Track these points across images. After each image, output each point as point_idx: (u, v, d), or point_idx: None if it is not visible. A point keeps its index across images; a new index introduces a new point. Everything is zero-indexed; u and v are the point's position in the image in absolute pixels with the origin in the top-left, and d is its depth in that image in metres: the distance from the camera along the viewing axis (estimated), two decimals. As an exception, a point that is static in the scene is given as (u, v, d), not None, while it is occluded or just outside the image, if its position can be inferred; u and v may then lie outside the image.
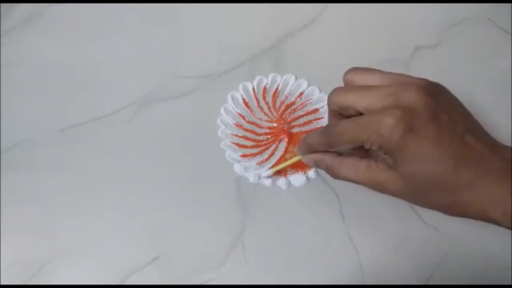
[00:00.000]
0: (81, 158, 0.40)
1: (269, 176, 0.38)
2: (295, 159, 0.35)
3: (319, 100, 0.41)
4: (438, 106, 0.26)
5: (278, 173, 0.39)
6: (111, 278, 0.36)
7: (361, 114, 0.28)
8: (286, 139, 0.40)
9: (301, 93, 0.42)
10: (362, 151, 0.30)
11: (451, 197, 0.26)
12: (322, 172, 0.39)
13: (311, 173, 0.39)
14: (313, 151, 0.33)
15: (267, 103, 0.41)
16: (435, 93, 0.27)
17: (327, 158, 0.32)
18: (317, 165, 0.33)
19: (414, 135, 0.26)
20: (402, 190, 0.28)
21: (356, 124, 0.28)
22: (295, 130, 0.40)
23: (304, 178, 0.38)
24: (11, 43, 0.44)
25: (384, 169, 0.28)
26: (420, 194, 0.28)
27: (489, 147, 0.26)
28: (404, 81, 0.28)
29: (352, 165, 0.30)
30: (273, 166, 0.38)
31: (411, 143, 0.26)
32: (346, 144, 0.29)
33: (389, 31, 0.44)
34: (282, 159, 0.39)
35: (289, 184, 0.39)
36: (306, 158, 0.33)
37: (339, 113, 0.30)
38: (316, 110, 0.41)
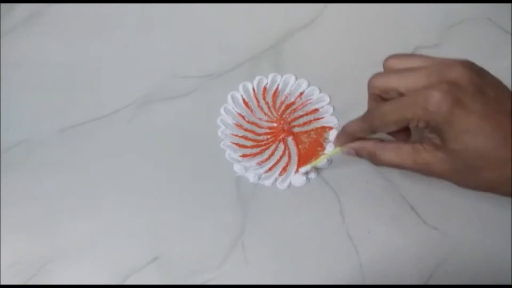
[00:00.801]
0: (81, 158, 0.40)
1: (307, 172, 0.38)
2: (335, 150, 0.34)
3: (319, 100, 0.41)
4: (484, 83, 0.26)
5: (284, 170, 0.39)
6: (111, 278, 0.36)
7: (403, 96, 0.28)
8: (292, 138, 0.40)
9: (301, 93, 0.42)
10: (404, 136, 0.30)
11: (504, 172, 0.26)
12: (322, 172, 0.39)
13: (312, 173, 0.39)
14: (353, 139, 0.32)
15: (267, 103, 0.41)
16: (480, 71, 0.27)
17: (369, 145, 0.31)
18: (359, 153, 0.32)
19: (462, 108, 0.25)
20: (451, 169, 0.27)
21: (401, 103, 0.27)
22: (295, 130, 0.40)
23: (304, 178, 0.38)
24: (11, 43, 0.44)
25: (430, 150, 0.27)
26: (470, 172, 0.26)
27: None
28: (446, 61, 0.27)
29: (396, 149, 0.29)
30: (304, 163, 0.38)
31: (459, 116, 0.25)
32: (390, 126, 0.28)
33: (389, 31, 0.44)
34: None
35: (289, 184, 0.38)
36: (347, 148, 0.33)
37: (379, 97, 0.30)
38: (316, 110, 0.41)
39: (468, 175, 0.27)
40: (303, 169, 0.38)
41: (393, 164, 0.30)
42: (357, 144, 0.32)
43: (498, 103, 0.26)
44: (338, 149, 0.34)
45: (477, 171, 0.26)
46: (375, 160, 0.31)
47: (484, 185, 0.27)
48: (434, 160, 0.27)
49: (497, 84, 0.27)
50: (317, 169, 0.39)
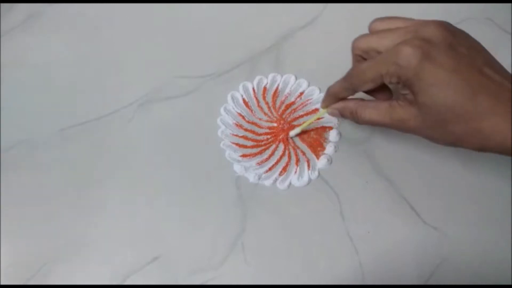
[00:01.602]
0: (81, 158, 0.40)
1: (296, 135, 0.39)
2: (320, 113, 0.36)
3: (319, 100, 0.41)
4: (456, 40, 0.27)
5: (284, 171, 0.39)
6: (111, 278, 0.36)
7: None
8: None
9: (301, 93, 0.42)
10: (384, 96, 0.31)
11: (471, 125, 0.26)
12: (323, 173, 0.39)
13: (312, 173, 0.39)
14: (337, 99, 0.33)
15: (267, 103, 0.41)
16: (453, 29, 0.28)
17: (351, 104, 0.32)
18: (342, 112, 0.33)
19: (431, 62, 0.26)
20: (422, 124, 0.28)
21: (376, 60, 0.28)
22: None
23: (304, 178, 0.38)
24: (11, 43, 0.44)
25: (404, 106, 0.28)
26: (439, 125, 0.27)
27: (508, 79, 0.26)
28: (424, 21, 0.28)
29: (374, 107, 0.30)
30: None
31: (428, 70, 0.26)
32: (368, 83, 0.29)
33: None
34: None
35: (289, 184, 0.39)
36: (331, 109, 0.34)
37: (362, 58, 0.31)
38: (316, 110, 0.41)
39: (437, 129, 0.28)
40: (292, 133, 0.39)
41: (373, 121, 0.31)
42: (340, 105, 0.33)
43: (469, 59, 0.26)
44: (323, 111, 0.35)
45: (445, 124, 0.27)
46: (356, 118, 0.32)
47: (451, 138, 0.28)
48: (408, 115, 0.28)
49: (471, 43, 0.28)
50: (318, 170, 0.39)
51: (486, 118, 0.26)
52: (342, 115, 0.33)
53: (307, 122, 0.38)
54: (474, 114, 0.26)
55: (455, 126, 0.27)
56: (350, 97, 0.33)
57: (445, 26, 0.27)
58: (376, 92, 0.32)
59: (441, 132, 0.28)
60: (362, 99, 0.32)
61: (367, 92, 0.32)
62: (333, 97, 0.33)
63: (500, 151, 0.27)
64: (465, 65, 0.26)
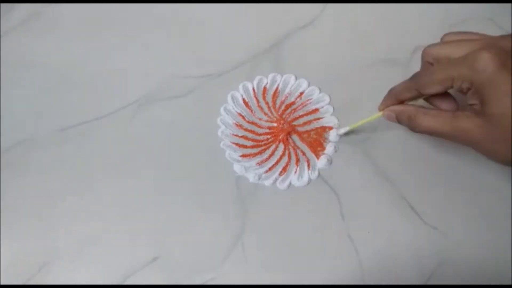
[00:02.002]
0: (82, 158, 0.40)
1: (345, 133, 0.38)
2: (376, 115, 0.34)
3: (319, 100, 0.41)
4: None
5: (284, 171, 0.39)
6: (111, 278, 0.36)
7: None
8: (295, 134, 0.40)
9: (301, 93, 0.42)
10: (448, 106, 0.30)
11: None
12: (323, 173, 0.39)
13: (312, 173, 0.39)
14: (397, 100, 0.32)
15: (267, 103, 0.41)
16: None
17: (410, 109, 0.31)
18: (399, 116, 0.32)
19: (508, 71, 0.25)
20: (486, 136, 0.27)
21: (449, 63, 0.27)
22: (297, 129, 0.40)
23: (304, 178, 0.38)
24: (11, 43, 0.44)
25: (470, 116, 0.27)
26: (504, 140, 0.26)
27: None
28: (501, 35, 0.28)
29: (436, 115, 0.29)
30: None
31: (505, 78, 0.25)
32: (436, 85, 0.28)
33: (389, 31, 0.44)
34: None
35: (289, 184, 0.38)
36: (388, 111, 0.33)
37: (432, 66, 0.30)
38: (316, 110, 0.41)
39: (502, 144, 0.26)
40: (342, 130, 0.38)
41: (432, 130, 0.29)
42: (398, 107, 0.32)
43: None
44: (379, 113, 0.34)
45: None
46: (414, 124, 0.31)
47: None
48: (471, 126, 0.27)
49: None
50: (318, 170, 0.39)
51: None
52: (398, 119, 0.32)
53: (357, 123, 0.37)
54: None
55: None
56: (411, 103, 0.32)
57: None
58: (439, 102, 0.30)
59: (504, 147, 0.26)
60: (422, 106, 0.31)
61: (430, 100, 0.31)
62: (394, 97, 0.32)
63: None
64: None
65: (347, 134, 0.39)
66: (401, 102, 0.32)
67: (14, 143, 0.40)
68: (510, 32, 0.43)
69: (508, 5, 0.44)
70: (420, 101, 0.31)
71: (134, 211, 0.38)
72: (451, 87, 0.28)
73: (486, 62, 0.25)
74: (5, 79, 0.42)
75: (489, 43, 0.27)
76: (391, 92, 0.32)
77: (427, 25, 0.44)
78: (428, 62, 0.30)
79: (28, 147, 0.40)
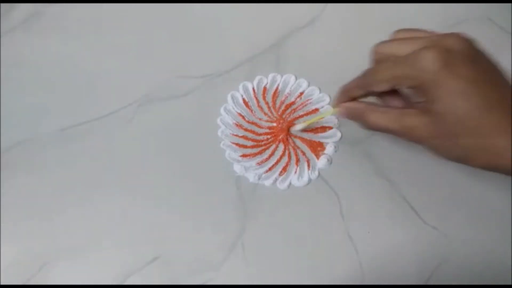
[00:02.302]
0: (81, 158, 0.40)
1: (301, 130, 0.39)
2: (330, 111, 0.35)
3: (319, 100, 0.41)
4: (478, 55, 0.27)
5: (284, 171, 0.39)
6: (111, 278, 0.36)
7: None
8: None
9: (301, 93, 0.42)
10: (396, 103, 0.31)
11: (483, 141, 0.26)
12: (323, 173, 0.39)
13: (312, 173, 0.39)
14: (349, 97, 0.32)
15: (267, 103, 0.41)
16: (475, 45, 0.27)
17: (361, 106, 0.31)
18: (350, 113, 0.32)
19: (451, 70, 0.26)
20: (432, 133, 0.27)
21: (394, 61, 0.28)
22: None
23: (304, 178, 0.38)
24: (11, 43, 0.44)
25: (416, 113, 0.28)
26: (449, 136, 0.27)
27: None
28: (447, 33, 0.28)
29: (384, 112, 0.30)
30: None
31: (447, 77, 0.26)
32: (382, 83, 0.29)
33: (389, 31, 0.44)
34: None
35: (289, 184, 0.39)
36: (340, 108, 0.33)
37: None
38: (316, 110, 0.41)
39: (447, 141, 0.27)
40: (294, 128, 0.39)
41: (380, 127, 0.30)
42: (350, 104, 0.32)
43: (488, 75, 0.26)
44: (332, 110, 0.34)
45: (457, 136, 0.26)
46: (364, 121, 0.31)
47: (459, 152, 0.27)
48: (418, 123, 0.28)
49: (491, 61, 0.28)
50: (318, 170, 0.39)
51: (500, 135, 0.25)
52: (350, 116, 0.33)
53: (312, 119, 0.38)
54: (488, 129, 0.25)
55: (466, 139, 0.26)
56: (362, 100, 0.32)
57: (468, 40, 0.27)
58: (388, 98, 0.31)
59: (450, 144, 0.27)
60: (373, 103, 0.31)
61: (380, 97, 0.32)
62: (345, 94, 0.33)
63: (507, 171, 0.26)
64: (484, 79, 0.26)
65: (304, 130, 0.39)
66: (354, 99, 0.33)
67: (14, 143, 0.40)
68: (509, 31, 0.43)
69: (508, 5, 0.44)
70: (372, 98, 0.32)
71: (134, 211, 0.38)
72: (397, 85, 0.28)
73: (429, 61, 0.26)
74: (5, 79, 0.42)
75: (433, 42, 0.27)
76: (342, 89, 0.33)
77: (427, 25, 0.44)
78: (377, 60, 0.31)
79: (28, 147, 0.40)
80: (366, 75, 0.30)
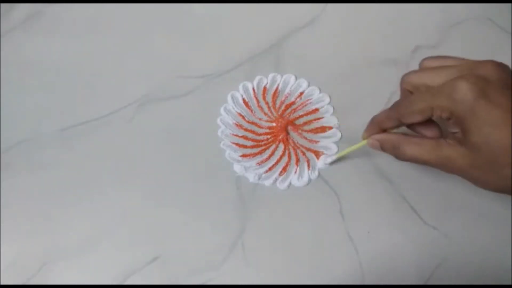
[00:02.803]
0: (81, 158, 0.40)
1: (332, 162, 0.38)
2: (361, 143, 0.34)
3: (319, 100, 0.41)
4: None
5: (284, 171, 0.39)
6: (111, 278, 0.36)
7: None
8: (292, 129, 0.40)
9: (301, 93, 0.42)
10: (430, 133, 0.30)
11: None
12: (323, 173, 0.39)
13: (312, 173, 0.39)
14: (380, 129, 0.32)
15: (267, 103, 0.41)
16: (510, 70, 0.27)
17: (393, 137, 0.31)
18: (383, 145, 0.32)
19: (487, 100, 0.25)
20: (471, 164, 0.27)
21: (428, 92, 0.27)
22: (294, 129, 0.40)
23: (304, 178, 0.38)
24: (11, 43, 0.44)
25: (453, 144, 0.27)
26: (490, 167, 0.26)
27: None
28: (479, 60, 0.28)
29: (419, 143, 0.29)
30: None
31: (484, 107, 0.25)
32: (416, 114, 0.28)
33: (389, 31, 0.44)
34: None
35: (289, 184, 0.38)
36: (372, 140, 0.33)
37: (410, 94, 0.30)
38: (316, 110, 0.41)
39: (488, 172, 0.26)
40: (329, 159, 0.38)
41: (416, 159, 0.29)
42: (382, 136, 0.32)
43: None
44: (364, 141, 0.34)
45: (498, 167, 0.26)
46: (398, 153, 0.31)
47: (502, 184, 0.27)
48: (455, 154, 0.27)
49: None
50: (318, 170, 0.39)
51: None
52: (383, 148, 0.32)
53: (347, 150, 0.37)
54: None
55: (506, 169, 0.26)
56: (394, 131, 0.32)
57: (502, 67, 0.27)
58: (422, 129, 0.30)
59: (491, 175, 0.26)
60: (406, 134, 0.31)
61: (413, 128, 0.31)
62: (376, 126, 0.32)
63: None
64: None
65: (333, 163, 0.39)
66: (384, 130, 0.32)
67: (14, 143, 0.40)
68: (509, 31, 0.43)
69: (508, 5, 0.44)
70: (404, 128, 0.32)
71: (134, 211, 0.38)
72: (431, 116, 0.28)
73: (464, 92, 0.25)
74: (5, 79, 0.42)
75: (466, 71, 0.27)
76: (373, 120, 0.32)
77: (427, 25, 0.44)
78: (407, 90, 0.30)
79: (28, 147, 0.40)
80: (398, 106, 0.30)
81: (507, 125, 0.25)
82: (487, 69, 0.26)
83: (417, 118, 0.29)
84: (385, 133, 0.32)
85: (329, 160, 0.38)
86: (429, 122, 0.29)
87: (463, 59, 0.29)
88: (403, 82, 0.30)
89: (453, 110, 0.26)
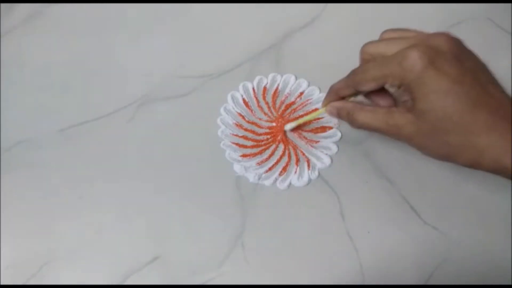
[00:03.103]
0: (81, 158, 0.40)
1: (291, 129, 0.39)
2: (319, 111, 0.36)
3: (319, 100, 0.41)
4: (463, 54, 0.27)
5: (284, 170, 0.39)
6: (111, 278, 0.36)
7: None
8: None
9: (301, 93, 0.42)
10: (385, 102, 0.31)
11: (467, 138, 0.26)
12: (323, 172, 0.39)
13: (312, 173, 0.39)
14: (338, 97, 0.33)
15: (267, 103, 0.41)
16: (462, 45, 0.28)
17: (349, 105, 0.32)
18: (339, 112, 0.33)
19: (436, 69, 0.26)
20: (417, 131, 0.28)
21: (381, 61, 0.28)
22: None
23: (304, 178, 0.38)
24: (11, 43, 0.44)
25: (402, 112, 0.28)
26: (434, 134, 0.27)
27: (509, 99, 0.27)
28: (434, 32, 0.28)
29: (371, 111, 0.30)
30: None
31: (432, 76, 0.26)
32: (370, 82, 0.29)
33: (389, 31, 0.44)
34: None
35: (289, 184, 0.39)
36: (329, 107, 0.34)
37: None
38: (316, 110, 0.41)
39: (432, 138, 0.27)
40: (288, 126, 0.38)
41: (368, 125, 0.30)
42: (339, 104, 0.33)
43: (473, 74, 0.26)
44: (323, 109, 0.35)
45: (442, 134, 0.27)
46: (352, 120, 0.32)
47: (444, 150, 0.27)
48: (404, 121, 0.28)
49: (477, 61, 0.28)
50: (318, 170, 0.39)
51: (483, 133, 0.26)
52: (339, 115, 0.33)
53: (305, 118, 0.38)
54: (472, 127, 0.26)
55: (450, 136, 0.27)
56: (352, 99, 0.33)
57: (454, 40, 0.27)
58: (377, 98, 0.32)
59: (435, 141, 0.28)
60: (361, 102, 0.32)
61: (368, 97, 0.32)
62: (334, 94, 0.33)
63: (492, 169, 0.27)
64: (469, 78, 0.26)
65: (304, 130, 0.40)
66: (342, 98, 0.33)
67: (14, 143, 0.40)
68: (509, 31, 0.43)
69: (508, 5, 0.44)
70: (361, 97, 0.33)
71: (134, 211, 0.38)
72: (385, 83, 0.29)
73: (414, 60, 0.26)
74: (5, 79, 0.42)
75: (419, 41, 0.27)
76: (332, 88, 0.33)
77: (427, 25, 0.44)
78: (365, 60, 0.31)
79: (28, 147, 0.40)
80: (353, 74, 0.31)
81: (453, 94, 0.26)
82: (439, 40, 0.27)
83: (371, 86, 0.29)
84: (342, 100, 0.33)
85: (289, 127, 0.38)
86: (383, 91, 0.30)
87: (421, 31, 0.30)
88: (362, 52, 0.31)
89: (403, 78, 0.27)
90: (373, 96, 0.32)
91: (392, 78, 0.28)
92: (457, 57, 0.27)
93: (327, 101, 0.34)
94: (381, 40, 0.31)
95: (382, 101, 0.31)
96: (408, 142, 0.29)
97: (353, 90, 0.31)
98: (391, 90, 0.29)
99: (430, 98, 0.26)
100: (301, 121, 0.38)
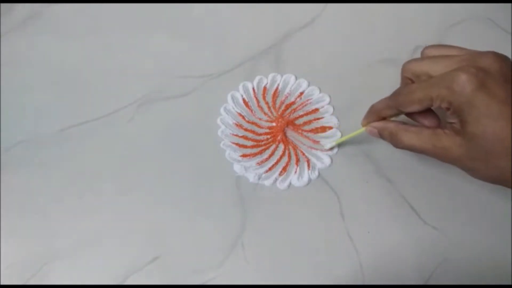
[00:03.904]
0: (81, 158, 0.40)
1: (330, 148, 0.39)
2: (360, 130, 0.35)
3: (319, 100, 0.41)
4: None
5: (284, 171, 0.39)
6: (111, 278, 0.36)
7: None
8: (292, 129, 0.40)
9: (301, 93, 0.42)
10: (429, 122, 0.30)
11: None
12: (323, 172, 0.39)
13: (312, 173, 0.39)
14: (379, 117, 0.32)
15: (267, 103, 0.41)
16: (510, 63, 0.27)
17: (391, 125, 0.31)
18: (381, 133, 0.32)
19: (486, 92, 0.25)
20: (467, 154, 0.27)
21: (428, 82, 0.28)
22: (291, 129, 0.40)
23: (304, 178, 0.38)
24: (11, 43, 0.44)
25: (450, 134, 0.28)
26: (485, 158, 0.26)
27: None
28: (481, 51, 0.28)
29: (417, 132, 0.30)
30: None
31: (482, 99, 0.25)
32: (415, 104, 0.28)
33: (389, 31, 0.44)
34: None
35: (289, 184, 0.38)
36: (370, 128, 0.33)
37: (411, 82, 0.30)
38: (316, 110, 0.41)
39: (482, 162, 0.27)
40: (328, 145, 0.38)
41: (413, 147, 0.30)
42: (380, 124, 0.32)
43: None
44: (363, 128, 0.34)
45: (492, 158, 0.26)
46: (395, 141, 0.31)
47: (495, 173, 0.27)
48: (452, 144, 0.27)
49: None
50: (318, 170, 0.39)
51: None
52: (381, 135, 0.32)
53: (345, 136, 0.37)
54: None
55: (502, 160, 0.26)
56: (393, 119, 0.32)
57: (502, 58, 0.27)
58: (420, 118, 0.31)
59: (485, 165, 0.27)
60: (404, 122, 0.31)
61: (411, 116, 0.31)
62: (375, 114, 0.32)
63: None
64: None
65: (332, 148, 0.39)
66: (383, 118, 0.32)
67: (14, 143, 0.40)
68: (509, 31, 0.43)
69: (508, 5, 0.44)
70: (402, 116, 0.32)
71: (134, 211, 0.38)
72: (431, 105, 0.28)
73: (464, 83, 0.26)
74: (5, 79, 0.42)
75: (467, 61, 0.27)
76: (372, 108, 0.33)
77: (427, 25, 0.44)
78: (408, 78, 0.30)
79: (28, 147, 0.40)
80: (397, 95, 0.30)
81: (504, 117, 0.25)
82: (487, 61, 0.26)
83: (416, 107, 0.29)
84: (384, 120, 0.32)
85: (329, 145, 0.38)
86: (427, 111, 0.30)
87: (464, 49, 0.29)
88: (404, 70, 0.31)
89: (452, 101, 0.26)
90: (417, 116, 0.31)
91: (440, 100, 0.27)
92: (506, 78, 0.26)
93: (367, 121, 0.33)
94: (424, 58, 0.30)
95: (426, 121, 0.30)
96: (456, 165, 0.28)
97: (396, 111, 0.31)
98: (437, 112, 0.28)
99: (481, 122, 0.26)
100: (339, 141, 0.38)
